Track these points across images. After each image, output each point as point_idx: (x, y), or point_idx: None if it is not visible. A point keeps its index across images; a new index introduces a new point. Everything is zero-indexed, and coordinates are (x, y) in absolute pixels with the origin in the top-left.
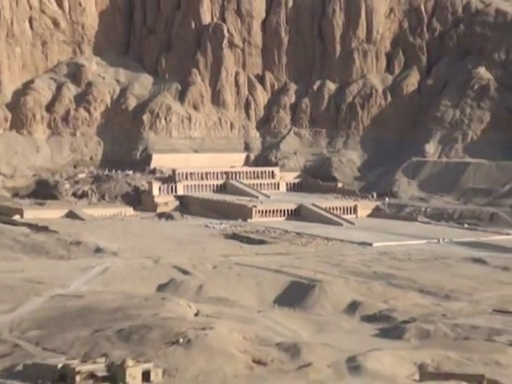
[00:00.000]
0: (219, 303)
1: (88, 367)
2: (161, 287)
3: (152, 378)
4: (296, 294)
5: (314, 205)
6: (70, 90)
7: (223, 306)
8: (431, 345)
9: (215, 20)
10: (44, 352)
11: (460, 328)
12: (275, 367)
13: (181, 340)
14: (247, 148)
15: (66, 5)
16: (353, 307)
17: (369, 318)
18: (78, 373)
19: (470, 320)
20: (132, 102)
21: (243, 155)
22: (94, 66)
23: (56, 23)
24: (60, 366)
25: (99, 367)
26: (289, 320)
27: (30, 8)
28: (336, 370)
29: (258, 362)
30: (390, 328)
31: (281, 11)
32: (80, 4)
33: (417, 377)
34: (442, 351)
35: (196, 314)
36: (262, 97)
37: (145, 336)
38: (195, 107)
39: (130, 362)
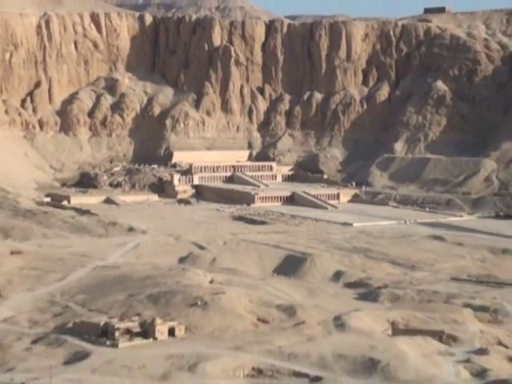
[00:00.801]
0: (229, 273)
1: (125, 324)
2: (181, 259)
3: (176, 333)
4: (291, 265)
5: (304, 192)
6: (107, 100)
7: (232, 275)
8: (401, 306)
9: (224, 43)
10: (89, 312)
11: (424, 293)
12: (276, 325)
13: (199, 303)
14: (250, 146)
15: (103, 30)
16: (337, 276)
17: (350, 285)
18: (117, 329)
19: (432, 286)
20: (157, 110)
21: (247, 152)
22: (126, 81)
23: (96, 45)
24: (102, 323)
25: (134, 324)
26: (285, 286)
27: (75, 33)
28: (325, 326)
29: (262, 321)
30: (368, 293)
31: (277, 36)
32: (115, 30)
33: (390, 332)
34: (410, 311)
35: (211, 282)
36: (262, 105)
37: (170, 299)
38: (208, 113)
39: (158, 321)
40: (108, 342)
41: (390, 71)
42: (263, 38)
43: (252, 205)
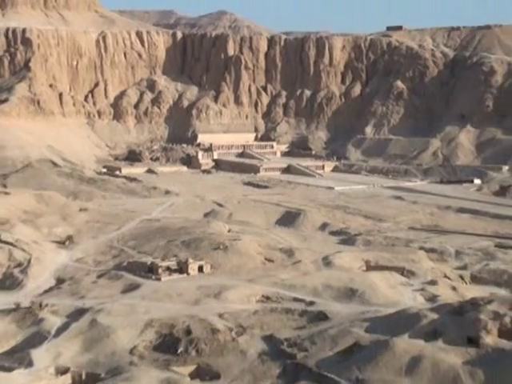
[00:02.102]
0: (242, 224)
1: (165, 263)
2: (206, 214)
3: (204, 270)
4: (289, 219)
5: (298, 164)
6: (148, 96)
7: (245, 226)
8: (372, 249)
9: (236, 53)
10: (138, 254)
11: (389, 239)
12: (279, 263)
13: (221, 246)
14: (256, 130)
15: (145, 44)
16: (323, 226)
17: (333, 233)
18: (160, 267)
19: (395, 234)
20: (185, 103)
21: (253, 135)
22: (162, 81)
23: (140, 55)
24: (149, 262)
25: (172, 263)
26: (285, 234)
27: (125, 46)
28: (316, 264)
29: (268, 260)
30: (347, 239)
31: (276, 47)
32: (154, 43)
33: (364, 268)
34: (379, 253)
35: (229, 231)
36: (265, 99)
37: (198, 244)
38: (224, 105)
39: (190, 260)
40: (153, 277)
41: (362, 74)
42: (266, 49)
43: (258, 174)
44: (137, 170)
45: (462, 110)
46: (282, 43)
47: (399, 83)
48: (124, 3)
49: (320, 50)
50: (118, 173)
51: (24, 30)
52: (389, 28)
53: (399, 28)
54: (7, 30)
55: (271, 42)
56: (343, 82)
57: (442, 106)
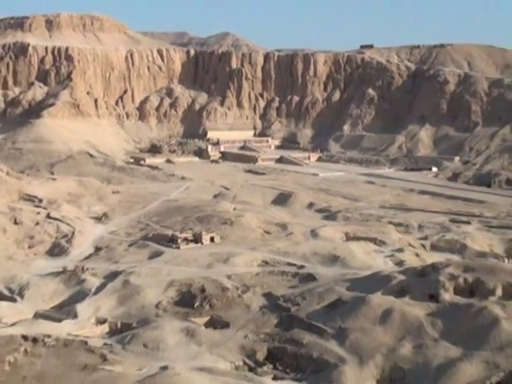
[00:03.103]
0: (245, 204)
1: (183, 235)
2: (215, 196)
3: (215, 240)
4: (282, 199)
5: (288, 156)
6: (167, 101)
7: (247, 205)
8: (350, 223)
9: (238, 66)
10: (161, 228)
11: (363, 215)
12: (275, 235)
13: (228, 222)
14: (254, 128)
15: (165, 59)
16: (310, 205)
17: (319, 210)
18: (179, 238)
19: (368, 211)
20: (197, 106)
21: (252, 132)
22: (178, 89)
23: (160, 68)
24: (170, 234)
25: (189, 235)
26: (279, 212)
27: (148, 61)
28: (305, 236)
29: (266, 232)
30: (330, 215)
31: (271, 62)
32: (172, 59)
33: (344, 238)
34: (356, 226)
35: (234, 209)
36: (262, 104)
37: (210, 220)
38: (229, 109)
39: (204, 233)
40: (174, 246)
41: (340, 83)
42: (262, 63)
43: (256, 163)
44: (158, 160)
45: (421, 112)
46: (276, 58)
47: (371, 91)
48: (146, 26)
49: (306, 64)
50: (142, 162)
51: (67, 49)
52: (362, 46)
53: (371, 46)
54: (53, 48)
55: (266, 57)
56: (325, 89)
57: (406, 109)
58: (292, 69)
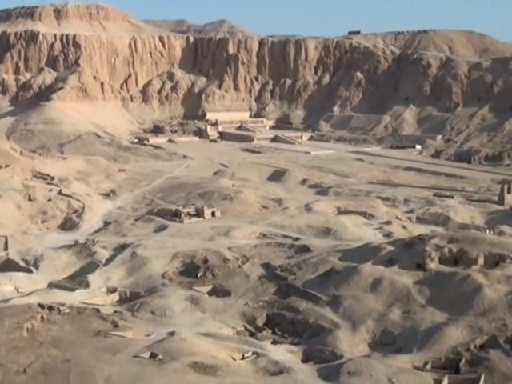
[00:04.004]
0: (243, 180)
1: (186, 210)
2: (215, 173)
3: (216, 215)
4: (277, 176)
5: (282, 135)
6: (168, 84)
7: (244, 182)
8: (341, 198)
9: (235, 52)
10: (166, 203)
11: (353, 190)
12: (271, 209)
13: (227, 197)
14: (250, 110)
15: (166, 45)
16: (303, 181)
17: (311, 186)
18: (182, 212)
19: (357, 187)
20: (196, 90)
21: (248, 113)
22: (179, 73)
23: (161, 54)
24: (173, 209)
25: (191, 210)
26: (274, 188)
27: (150, 47)
28: (299, 210)
29: (264, 207)
30: (321, 191)
31: (265, 47)
32: (173, 45)
33: (336, 212)
34: (346, 201)
35: (233, 185)
36: (257, 86)
37: (211, 195)
38: (226, 91)
39: (205, 207)
40: (177, 220)
41: (330, 67)
42: (257, 49)
43: (252, 142)
44: (160, 140)
45: (406, 93)
46: (269, 44)
47: (358, 74)
48: (148, 15)
49: (298, 49)
50: (146, 142)
51: (74, 36)
52: (350, 32)
53: (358, 32)
54: (62, 35)
55: (261, 43)
56: (316, 73)
57: (391, 90)
58: (285, 54)
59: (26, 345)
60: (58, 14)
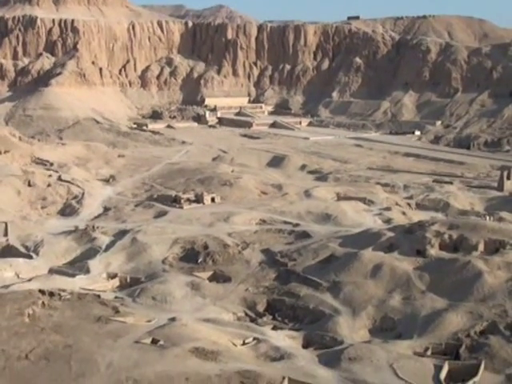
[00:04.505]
0: (242, 166)
1: (186, 196)
2: (214, 159)
3: (216, 200)
4: (276, 162)
5: (281, 120)
6: (167, 70)
7: (244, 168)
8: (341, 184)
9: (234, 37)
10: (165, 189)
11: (353, 176)
12: (271, 195)
13: (227, 183)
14: (249, 95)
15: (164, 30)
16: (303, 167)
17: (311, 172)
18: (182, 198)
19: (357, 172)
20: (195, 75)
21: (247, 98)
22: (177, 59)
23: (160, 39)
24: (173, 195)
25: (191, 196)
26: (274, 173)
27: (149, 32)
28: (299, 196)
29: (263, 193)
30: (321, 176)
31: (264, 32)
32: (171, 30)
33: (336, 198)
34: (346, 187)
35: (232, 171)
36: (256, 72)
37: (210, 181)
38: (225, 77)
39: (205, 193)
40: (177, 206)
41: (329, 52)
42: (256, 34)
43: (251, 128)
44: (159, 126)
45: (405, 79)
46: (268, 29)
47: (357, 59)
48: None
49: (297, 34)
50: (145, 128)
51: (73, 21)
52: (349, 18)
53: (357, 18)
54: (60, 20)
55: (260, 28)
56: (315, 58)
57: (390, 76)
58: (284, 39)
59: (27, 330)
60: None
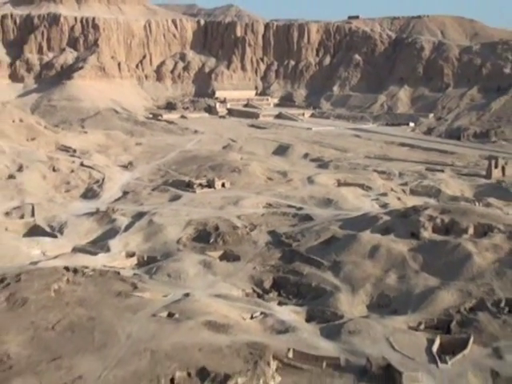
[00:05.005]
0: (250, 154)
1: (198, 181)
2: (224, 147)
3: (226, 186)
4: (281, 150)
5: (286, 112)
6: (180, 64)
7: (251, 155)
8: (341, 171)
9: (242, 35)
10: (179, 175)
11: (352, 164)
12: (276, 181)
13: (236, 169)
14: (256, 88)
15: (178, 27)
16: (305, 155)
17: (313, 160)
18: (195, 183)
19: (356, 161)
20: (207, 69)
21: (254, 91)
22: (190, 54)
23: (174, 36)
24: (187, 180)
25: (203, 181)
26: (279, 161)
27: (164, 29)
28: (302, 182)
29: (269, 179)
30: (323, 164)
31: (270, 30)
32: (184, 27)
33: (336, 184)
34: (346, 174)
35: (241, 159)
36: (263, 67)
37: (221, 168)
38: (234, 71)
39: (216, 179)
40: (190, 190)
41: (330, 49)
42: (263, 32)
43: (258, 119)
44: (173, 116)
45: (400, 74)
46: (274, 28)
47: (357, 56)
48: None
49: (301, 32)
50: (160, 118)
51: (94, 19)
52: (349, 17)
53: (357, 17)
54: (82, 18)
55: (266, 26)
56: (317, 55)
57: (387, 72)
58: (288, 37)
59: (53, 304)
60: None
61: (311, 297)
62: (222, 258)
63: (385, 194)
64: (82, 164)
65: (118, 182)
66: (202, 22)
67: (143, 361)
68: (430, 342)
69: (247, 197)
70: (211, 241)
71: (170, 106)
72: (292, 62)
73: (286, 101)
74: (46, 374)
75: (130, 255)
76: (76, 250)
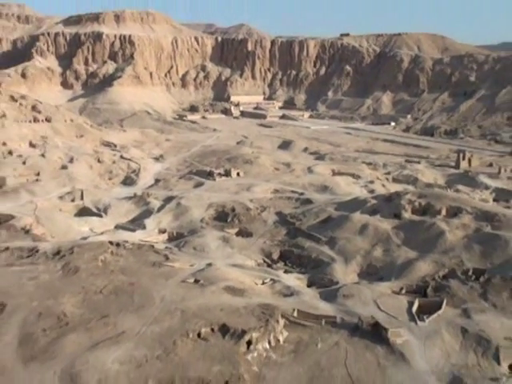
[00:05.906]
0: (259, 148)
1: (218, 170)
2: (238, 142)
3: (240, 175)
4: (285, 145)
5: (288, 113)
6: (201, 74)
7: (261, 149)
8: (335, 163)
9: (252, 49)
10: (201, 165)
11: (344, 157)
12: (282, 171)
13: (248, 161)
14: (264, 94)
15: (200, 44)
16: (305, 149)
17: (312, 153)
18: (214, 173)
19: (347, 154)
20: (223, 78)
21: (262, 96)
22: (209, 66)
23: (196, 50)
24: (208, 170)
25: (221, 171)
26: (283, 154)
27: (187, 45)
28: (303, 171)
29: (276, 169)
30: (320, 157)
31: (276, 45)
32: (205, 43)
33: (331, 173)
34: (339, 165)
35: (252, 152)
36: (269, 76)
37: (236, 160)
38: (245, 80)
39: (232, 169)
40: (211, 178)
41: (326, 61)
42: (269, 47)
43: (265, 119)
44: (195, 117)
45: (384, 82)
46: (279, 43)
47: (347, 67)
48: (185, 18)
49: (301, 47)
50: (184, 118)
51: (130, 36)
52: (341, 34)
53: (347, 34)
54: (120, 35)
55: (272, 42)
56: (315, 66)
57: (372, 80)
58: (291, 51)
59: (100, 272)
60: (118, 18)
61: (311, 266)
62: (237, 234)
63: (372, 182)
64: (121, 156)
65: (151, 172)
66: (219, 39)
67: (175, 319)
68: (410, 303)
69: (258, 184)
70: (229, 220)
71: (193, 109)
72: (294, 72)
73: (289, 104)
74: (96, 329)
75: (162, 232)
76: (118, 227)
